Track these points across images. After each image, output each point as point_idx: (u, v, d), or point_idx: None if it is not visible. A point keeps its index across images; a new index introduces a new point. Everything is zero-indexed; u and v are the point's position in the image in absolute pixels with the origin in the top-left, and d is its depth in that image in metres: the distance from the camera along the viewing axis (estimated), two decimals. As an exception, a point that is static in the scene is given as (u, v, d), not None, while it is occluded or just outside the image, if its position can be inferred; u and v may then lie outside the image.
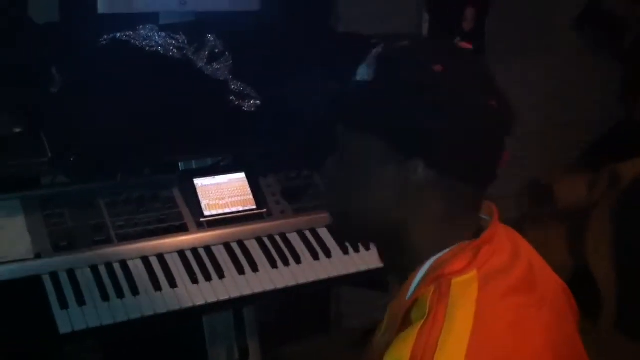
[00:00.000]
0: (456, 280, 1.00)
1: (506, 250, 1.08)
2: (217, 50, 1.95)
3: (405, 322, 1.02)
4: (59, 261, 1.69)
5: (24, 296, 1.62)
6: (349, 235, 1.32)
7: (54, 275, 1.66)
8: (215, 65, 1.94)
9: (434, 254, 1.06)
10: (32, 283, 1.64)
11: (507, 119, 1.06)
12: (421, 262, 1.06)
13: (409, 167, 1.03)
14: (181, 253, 1.80)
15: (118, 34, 1.84)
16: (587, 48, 3.42)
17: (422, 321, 0.97)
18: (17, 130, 1.77)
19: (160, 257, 1.77)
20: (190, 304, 1.70)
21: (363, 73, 1.06)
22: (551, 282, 1.15)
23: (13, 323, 1.55)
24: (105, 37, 1.83)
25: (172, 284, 1.72)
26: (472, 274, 1.01)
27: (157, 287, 1.71)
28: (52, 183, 1.88)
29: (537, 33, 3.20)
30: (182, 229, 1.84)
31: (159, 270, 1.74)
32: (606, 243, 3.25)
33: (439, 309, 0.97)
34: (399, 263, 1.12)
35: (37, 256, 1.68)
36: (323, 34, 2.31)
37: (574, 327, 1.16)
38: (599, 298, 3.20)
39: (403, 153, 1.03)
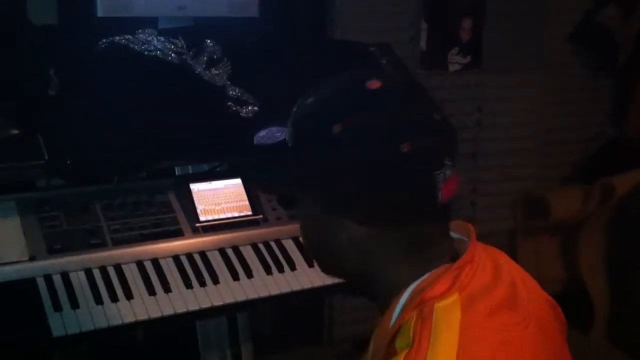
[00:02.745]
0: (438, 305, 0.99)
1: (487, 269, 1.06)
2: (215, 56, 1.95)
3: (390, 351, 1.01)
4: (54, 264, 1.68)
5: (18, 298, 1.61)
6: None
7: (48, 278, 1.66)
8: (213, 71, 1.94)
9: (405, 287, 1.05)
10: (26, 285, 1.63)
11: (432, 154, 1.00)
12: (396, 294, 1.06)
13: (344, 226, 1.04)
14: (176, 258, 1.79)
15: (117, 38, 1.84)
16: (580, 64, 3.44)
17: (407, 350, 0.96)
18: (14, 132, 1.77)
19: (155, 262, 1.77)
20: (184, 309, 1.69)
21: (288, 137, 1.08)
22: (536, 297, 1.13)
23: (6, 325, 1.54)
24: (104, 40, 1.83)
25: (167, 288, 1.71)
26: (454, 297, 1.00)
27: (151, 291, 1.70)
28: (48, 186, 1.87)
29: (531, 49, 3.22)
30: (178, 234, 1.83)
31: (153, 274, 1.74)
32: (599, 255, 3.27)
33: (423, 335, 0.96)
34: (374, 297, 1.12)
35: (32, 258, 1.67)
36: (321, 41, 2.32)
37: (562, 341, 1.14)
38: (591, 309, 3.21)
39: (333, 214, 1.04)
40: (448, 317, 0.98)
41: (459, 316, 0.98)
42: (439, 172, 1.00)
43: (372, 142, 0.98)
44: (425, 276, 1.04)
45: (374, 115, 1.00)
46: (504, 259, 1.14)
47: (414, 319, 0.99)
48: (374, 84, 1.02)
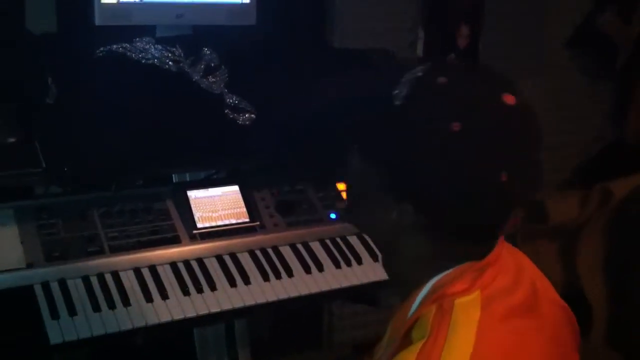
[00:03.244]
0: (459, 301, 1.00)
1: (510, 271, 1.08)
2: (213, 64, 1.96)
3: (406, 340, 1.02)
4: (51, 271, 1.69)
5: (16, 306, 1.62)
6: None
7: (46, 285, 1.66)
8: (211, 79, 1.95)
9: (428, 279, 1.06)
10: (24, 293, 1.64)
11: (517, 192, 1.01)
12: (416, 286, 1.07)
13: (401, 209, 1.04)
14: (173, 265, 1.80)
15: (115, 46, 1.85)
16: (579, 68, 3.45)
17: (424, 340, 0.97)
18: (12, 140, 1.77)
19: (153, 269, 1.77)
20: (181, 316, 1.70)
21: (397, 94, 1.02)
22: (553, 304, 1.15)
23: (4, 332, 1.55)
24: (102, 49, 1.84)
25: (164, 295, 1.72)
26: (475, 294, 1.01)
27: (149, 298, 1.71)
28: (46, 193, 1.88)
29: (530, 53, 3.22)
30: (175, 241, 1.84)
31: (150, 281, 1.74)
32: (597, 259, 3.26)
33: (441, 328, 0.97)
34: (398, 279, 1.13)
35: (29, 266, 1.68)
36: (319, 49, 2.33)
37: (574, 348, 1.15)
38: (590, 313, 3.21)
39: (397, 194, 1.04)
40: (467, 314, 0.99)
41: (478, 314, 0.99)
42: (518, 208, 1.02)
43: (478, 157, 0.98)
44: (448, 271, 1.05)
45: (495, 131, 0.99)
46: (527, 262, 1.16)
47: (434, 312, 1.00)
48: (510, 99, 1.01)
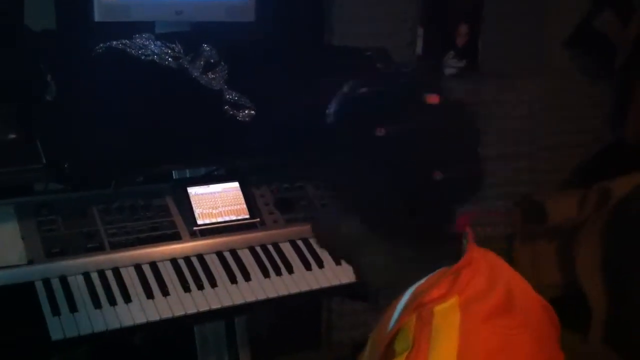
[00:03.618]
0: (438, 308, 1.00)
1: (484, 272, 1.08)
2: (212, 60, 1.96)
3: (388, 353, 1.01)
4: (52, 267, 1.69)
5: (16, 302, 1.61)
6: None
7: (47, 282, 1.66)
8: (210, 75, 1.94)
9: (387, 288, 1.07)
10: (25, 289, 1.64)
11: (457, 189, 1.04)
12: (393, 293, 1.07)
13: (349, 221, 1.06)
14: (174, 261, 1.80)
15: (114, 42, 1.84)
16: (578, 68, 3.45)
17: (407, 352, 0.97)
18: (12, 136, 1.77)
19: (153, 265, 1.77)
20: (182, 312, 1.70)
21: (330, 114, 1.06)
22: (531, 301, 1.14)
23: (5, 329, 1.55)
24: (101, 45, 1.83)
25: (165, 292, 1.72)
26: (453, 300, 1.01)
27: (150, 294, 1.70)
28: (46, 190, 1.88)
29: (529, 53, 3.23)
30: (175, 238, 1.84)
31: (151, 278, 1.74)
32: (596, 259, 3.27)
33: (422, 338, 0.97)
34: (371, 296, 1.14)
35: (30, 262, 1.68)
36: (317, 46, 2.33)
37: (556, 345, 1.15)
38: (589, 313, 3.21)
39: (342, 206, 1.06)
40: (447, 320, 0.98)
41: (458, 319, 0.99)
42: (460, 205, 1.04)
43: (409, 158, 1.00)
44: (424, 279, 1.05)
45: (420, 131, 1.01)
46: (499, 262, 1.15)
47: (414, 321, 1.00)
48: (433, 99, 1.02)
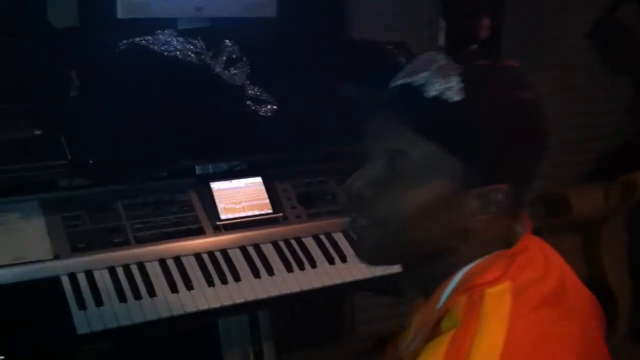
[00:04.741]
0: (489, 291, 0.99)
1: (539, 260, 1.07)
2: (234, 56, 1.96)
3: (435, 332, 1.01)
4: (77, 262, 1.70)
5: (43, 296, 1.63)
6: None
7: (72, 276, 1.67)
8: (232, 71, 1.95)
9: (457, 270, 1.05)
10: (51, 284, 1.65)
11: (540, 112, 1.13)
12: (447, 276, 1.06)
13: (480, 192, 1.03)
14: (198, 256, 1.80)
15: (137, 39, 1.86)
16: (599, 61, 3.42)
17: (454, 331, 0.96)
18: (36, 132, 1.79)
19: (177, 260, 1.78)
20: (206, 307, 1.71)
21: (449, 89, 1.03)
22: (581, 294, 1.13)
23: (31, 323, 1.57)
24: (124, 41, 1.85)
25: (189, 286, 1.73)
26: (506, 284, 1.00)
27: (174, 289, 1.71)
28: (71, 185, 1.89)
29: (551, 46, 3.21)
30: (199, 232, 1.84)
31: (175, 272, 1.75)
32: (621, 252, 3.25)
33: (472, 319, 0.96)
34: (426, 279, 1.11)
35: (56, 257, 1.69)
36: (339, 41, 2.33)
37: (602, 338, 1.14)
38: (614, 306, 3.19)
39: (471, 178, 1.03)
40: (498, 304, 0.98)
41: (509, 304, 0.98)
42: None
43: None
44: (477, 261, 1.04)
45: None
46: (553, 253, 1.14)
47: (464, 302, 0.99)
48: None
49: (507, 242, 1.07)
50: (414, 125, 1.02)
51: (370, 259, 1.16)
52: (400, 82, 1.06)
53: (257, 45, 2.02)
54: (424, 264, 1.09)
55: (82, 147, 1.75)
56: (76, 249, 1.72)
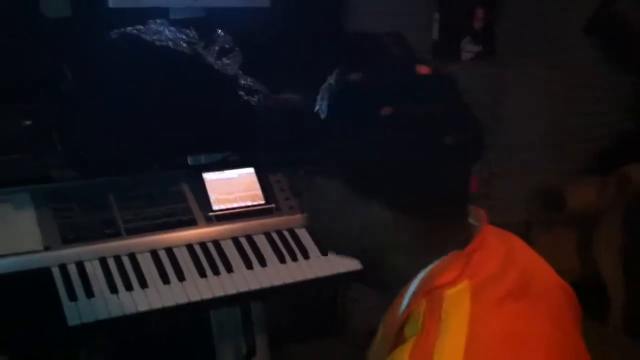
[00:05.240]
0: (448, 292, 0.97)
1: (498, 255, 1.04)
2: (227, 46, 1.95)
3: (399, 338, 0.98)
4: (68, 254, 1.69)
5: (33, 288, 1.62)
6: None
7: (63, 268, 1.67)
8: (225, 61, 1.93)
9: (413, 273, 1.02)
10: (42, 275, 1.65)
11: (471, 150, 1.02)
12: (405, 280, 1.03)
13: (370, 208, 1.02)
14: (190, 247, 1.80)
15: (128, 28, 1.84)
16: (596, 55, 3.41)
17: (416, 337, 0.94)
18: (27, 123, 1.78)
19: (169, 251, 1.78)
20: (198, 298, 1.70)
21: (321, 107, 1.04)
22: (549, 283, 1.10)
23: (22, 314, 1.56)
24: (115, 31, 1.83)
25: (181, 277, 1.72)
26: (464, 284, 0.98)
27: (166, 280, 1.71)
28: (62, 177, 1.88)
29: (547, 39, 3.20)
30: (191, 223, 1.84)
31: (167, 263, 1.75)
32: (615, 246, 3.24)
33: (432, 322, 0.94)
34: (382, 282, 1.10)
35: (47, 248, 1.68)
36: (333, 32, 2.31)
37: (576, 328, 1.10)
38: (607, 301, 3.19)
39: (361, 194, 1.02)
40: (457, 305, 0.96)
41: (468, 304, 0.96)
42: (475, 165, 1.02)
43: (418, 130, 0.97)
44: (435, 263, 1.02)
45: (424, 104, 0.99)
46: (517, 243, 1.12)
47: (424, 306, 0.97)
48: (423, 70, 1.01)
49: (465, 240, 1.04)
50: None
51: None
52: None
53: (251, 35, 2.00)
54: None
55: (73, 139, 1.74)
56: (67, 240, 1.71)
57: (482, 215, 1.09)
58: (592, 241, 3.31)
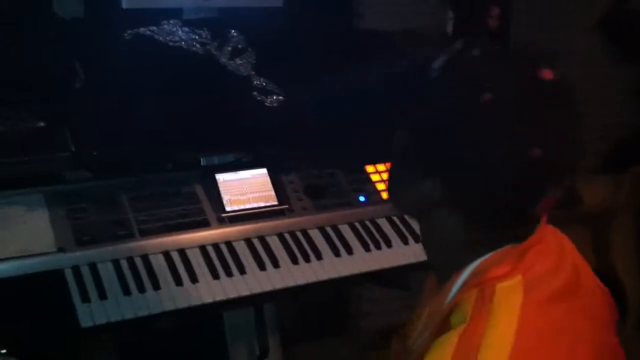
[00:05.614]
0: (500, 286, 0.98)
1: (552, 253, 1.05)
2: (240, 46, 1.94)
3: (444, 327, 1.00)
4: (82, 255, 1.69)
5: (47, 289, 1.62)
6: None
7: (76, 269, 1.67)
8: (238, 61, 1.93)
9: (467, 263, 1.03)
10: (55, 276, 1.65)
11: (551, 169, 0.97)
12: (451, 271, 1.05)
13: (430, 183, 1.02)
14: (202, 248, 1.79)
15: (142, 29, 1.84)
16: (605, 53, 3.38)
17: (464, 326, 0.95)
18: (40, 124, 1.78)
19: (182, 252, 1.77)
20: (211, 300, 1.69)
21: (434, 66, 1.00)
22: (593, 286, 1.12)
23: (35, 316, 1.56)
24: (129, 31, 1.83)
25: (194, 279, 1.71)
26: (517, 279, 0.98)
27: (179, 282, 1.70)
28: (76, 178, 1.88)
29: (557, 37, 3.17)
30: (204, 224, 1.83)
31: (180, 265, 1.74)
32: (631, 245, 3.22)
33: (482, 313, 0.95)
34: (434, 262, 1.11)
35: (60, 250, 1.68)
36: (346, 31, 2.31)
37: (614, 330, 1.13)
38: (624, 300, 3.16)
39: (426, 166, 1.02)
40: (509, 299, 0.96)
41: (520, 299, 0.96)
42: (553, 188, 0.98)
43: (508, 129, 0.95)
44: (488, 255, 1.02)
45: (526, 104, 0.96)
46: (568, 243, 1.13)
47: (474, 296, 0.98)
48: (547, 74, 0.99)
49: (520, 235, 1.04)
50: None
51: None
52: None
53: (264, 35, 2.00)
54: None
55: (86, 139, 1.74)
56: (80, 242, 1.71)
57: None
58: (608, 240, 3.29)
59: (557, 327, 0.98)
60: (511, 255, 1.01)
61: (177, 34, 1.87)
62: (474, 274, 1.02)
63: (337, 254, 1.86)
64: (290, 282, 1.78)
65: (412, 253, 1.90)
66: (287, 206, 1.93)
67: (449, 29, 2.83)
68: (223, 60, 1.92)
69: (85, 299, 1.61)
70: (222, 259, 1.78)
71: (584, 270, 1.12)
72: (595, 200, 3.25)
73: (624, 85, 3.45)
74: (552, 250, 1.06)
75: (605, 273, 3.26)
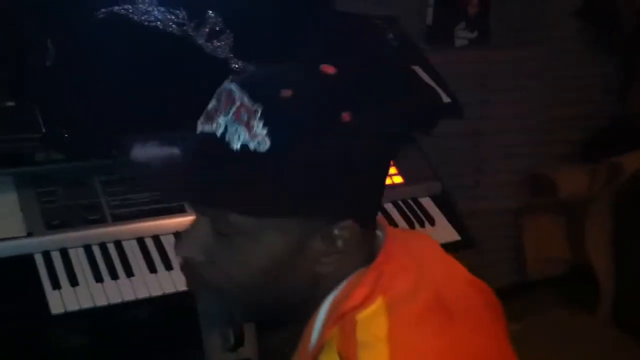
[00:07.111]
0: (361, 316, 0.87)
1: (409, 267, 0.94)
2: (217, 28, 1.90)
3: None
4: (52, 240, 1.64)
5: (15, 275, 1.58)
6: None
7: (47, 255, 1.62)
8: (215, 43, 1.89)
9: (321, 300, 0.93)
10: (24, 262, 1.60)
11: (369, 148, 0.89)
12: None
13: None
14: (177, 235, 1.74)
15: (116, 8, 1.79)
16: (584, 41, 3.38)
17: None
18: (10, 104, 1.73)
19: (156, 239, 1.73)
20: (185, 287, 1.65)
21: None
22: (465, 289, 1.00)
23: (4, 302, 1.51)
24: (103, 10, 1.78)
25: (168, 266, 1.68)
26: (377, 303, 0.88)
27: (152, 269, 1.66)
28: (46, 160, 1.82)
29: (536, 25, 3.17)
30: (179, 210, 1.78)
31: (154, 251, 1.70)
32: (605, 235, 3.23)
33: (349, 351, 0.85)
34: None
35: (29, 234, 1.63)
36: (326, 13, 2.27)
37: (500, 329, 1.01)
38: (597, 290, 3.17)
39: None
40: (373, 328, 0.86)
41: (385, 325, 0.86)
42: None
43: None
44: (341, 285, 0.93)
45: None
46: (424, 246, 1.02)
47: (337, 334, 0.88)
48: (329, 69, 0.92)
49: (370, 255, 0.94)
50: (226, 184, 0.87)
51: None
52: (199, 129, 0.95)
53: (241, 17, 1.96)
54: (290, 317, 0.99)
55: (57, 120, 1.69)
56: (50, 226, 1.66)
57: (384, 224, 0.99)
58: (583, 229, 3.30)
59: (431, 348, 0.87)
60: (364, 279, 0.90)
61: (152, 13, 1.82)
62: (330, 311, 0.91)
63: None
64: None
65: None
66: (263, 192, 1.89)
67: (429, 15, 2.81)
68: (200, 41, 1.87)
69: (56, 285, 1.56)
70: (197, 245, 1.73)
71: (453, 274, 1.00)
72: (571, 189, 3.25)
73: (604, 73, 3.46)
74: (408, 265, 0.94)
75: (580, 263, 3.28)
